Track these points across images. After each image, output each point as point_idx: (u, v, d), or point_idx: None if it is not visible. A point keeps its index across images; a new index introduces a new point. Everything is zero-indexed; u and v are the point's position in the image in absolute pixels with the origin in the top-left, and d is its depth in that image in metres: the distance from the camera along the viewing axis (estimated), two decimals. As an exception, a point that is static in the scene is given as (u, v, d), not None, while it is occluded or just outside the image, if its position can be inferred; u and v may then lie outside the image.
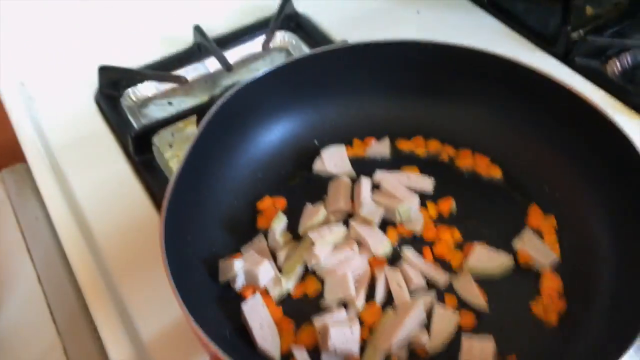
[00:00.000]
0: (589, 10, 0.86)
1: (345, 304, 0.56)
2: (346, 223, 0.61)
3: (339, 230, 0.59)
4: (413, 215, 0.61)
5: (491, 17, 0.89)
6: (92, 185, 0.72)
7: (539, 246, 0.58)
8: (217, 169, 0.62)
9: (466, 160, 0.66)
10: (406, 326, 0.52)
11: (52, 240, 0.75)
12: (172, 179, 0.54)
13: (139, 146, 0.73)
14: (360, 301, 0.55)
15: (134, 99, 0.83)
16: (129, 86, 0.83)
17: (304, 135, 0.69)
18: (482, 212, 0.62)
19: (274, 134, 0.68)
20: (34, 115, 0.81)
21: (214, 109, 0.60)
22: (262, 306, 0.55)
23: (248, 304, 0.54)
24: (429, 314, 0.54)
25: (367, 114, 0.70)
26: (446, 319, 0.53)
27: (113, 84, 0.82)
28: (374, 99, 0.69)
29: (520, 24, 0.87)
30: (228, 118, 0.63)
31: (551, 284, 0.56)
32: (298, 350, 0.53)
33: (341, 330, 0.51)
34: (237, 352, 0.50)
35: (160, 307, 0.59)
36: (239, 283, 0.57)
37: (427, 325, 0.54)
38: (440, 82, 0.68)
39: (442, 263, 0.58)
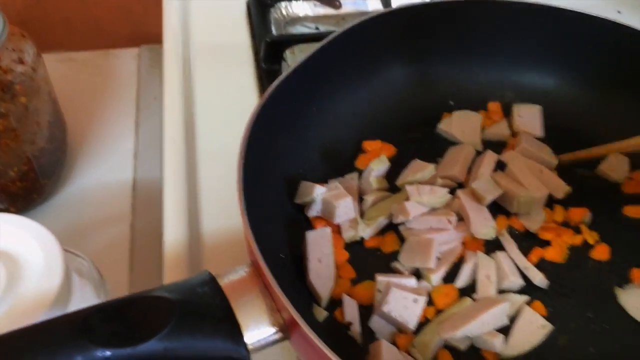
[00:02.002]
0: None
1: (419, 275, 0.48)
2: (453, 194, 0.52)
3: (441, 195, 0.51)
4: (534, 211, 0.51)
5: None
6: (213, 81, 0.70)
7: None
8: (333, 90, 0.56)
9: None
10: (481, 322, 0.43)
11: (160, 123, 0.74)
12: (280, 77, 0.49)
13: (270, 53, 0.69)
14: (437, 277, 0.47)
15: (284, 13, 0.80)
16: (283, -1, 0.79)
17: (440, 91, 0.60)
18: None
19: (409, 78, 0.60)
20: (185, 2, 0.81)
21: (354, 23, 0.54)
22: (329, 242, 0.48)
23: (314, 234, 0.48)
24: (513, 319, 0.45)
25: (523, 89, 0.60)
26: (534, 327, 0.43)
27: (269, -9, 0.79)
28: (538, 74, 0.60)
29: None
30: (366, 40, 0.56)
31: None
32: (349, 301, 0.46)
33: (404, 296, 0.44)
34: (282, 275, 0.45)
35: (228, 210, 0.55)
36: (314, 211, 0.51)
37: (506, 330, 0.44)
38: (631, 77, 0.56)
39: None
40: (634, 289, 0.47)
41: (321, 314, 0.46)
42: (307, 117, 0.54)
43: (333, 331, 0.45)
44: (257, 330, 0.37)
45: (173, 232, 0.54)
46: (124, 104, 0.77)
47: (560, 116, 0.59)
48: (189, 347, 0.34)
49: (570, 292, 0.47)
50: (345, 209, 0.50)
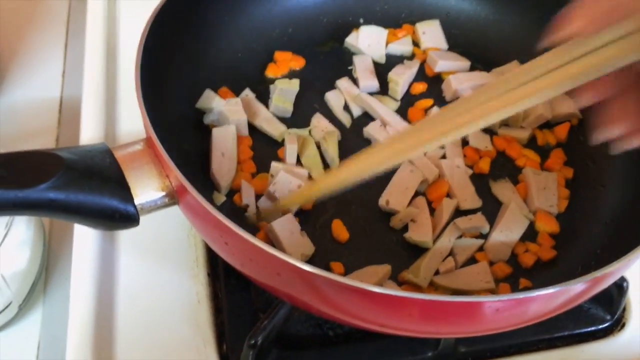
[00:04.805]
0: None
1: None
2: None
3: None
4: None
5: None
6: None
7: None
8: (245, 3, 0.59)
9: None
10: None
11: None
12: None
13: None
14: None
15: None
16: None
17: (352, 9, 0.64)
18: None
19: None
20: None
21: None
22: (233, 139, 0.52)
23: (219, 130, 0.52)
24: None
25: (426, 10, 0.64)
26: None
27: None
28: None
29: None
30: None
31: (548, 228, 0.50)
32: (246, 185, 0.49)
33: (289, 180, 0.48)
34: (185, 164, 0.48)
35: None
36: (210, 118, 0.54)
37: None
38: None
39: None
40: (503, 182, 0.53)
41: (219, 198, 0.49)
42: (219, 25, 0.57)
43: (230, 214, 0.49)
44: (147, 193, 0.40)
45: (89, 132, 0.57)
46: (54, 28, 0.78)
47: (461, 33, 0.63)
48: (77, 200, 0.37)
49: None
50: (238, 125, 0.53)
